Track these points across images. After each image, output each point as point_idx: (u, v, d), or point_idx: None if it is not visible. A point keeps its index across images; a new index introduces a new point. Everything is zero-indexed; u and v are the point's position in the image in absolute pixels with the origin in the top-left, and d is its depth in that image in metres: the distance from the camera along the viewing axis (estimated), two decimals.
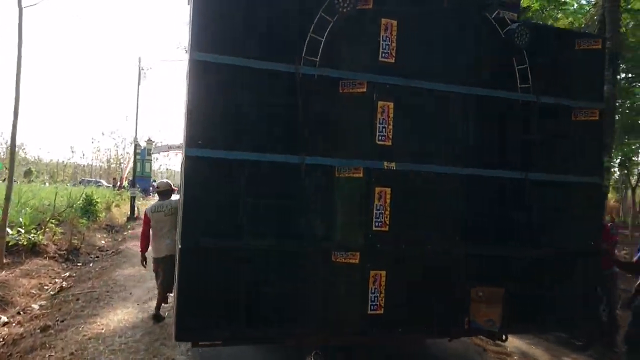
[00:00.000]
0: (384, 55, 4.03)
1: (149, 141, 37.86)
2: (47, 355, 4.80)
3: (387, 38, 4.02)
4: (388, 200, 3.97)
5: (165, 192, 6.27)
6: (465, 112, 4.21)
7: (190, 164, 3.61)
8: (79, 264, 10.09)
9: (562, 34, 4.68)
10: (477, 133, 4.25)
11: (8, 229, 8.86)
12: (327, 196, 3.98)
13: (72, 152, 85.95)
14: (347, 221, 3.97)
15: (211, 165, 3.63)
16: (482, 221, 4.32)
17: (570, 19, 14.33)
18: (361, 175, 3.91)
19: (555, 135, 4.50)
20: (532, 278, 4.48)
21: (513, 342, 5.69)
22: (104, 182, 42.18)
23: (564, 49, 4.52)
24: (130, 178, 25.38)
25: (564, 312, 4.45)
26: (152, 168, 43.39)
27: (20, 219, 10.08)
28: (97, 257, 11.15)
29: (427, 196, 4.11)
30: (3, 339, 5.50)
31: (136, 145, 23.20)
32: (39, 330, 5.60)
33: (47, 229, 10.59)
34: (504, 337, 4.34)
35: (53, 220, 11.24)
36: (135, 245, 11.00)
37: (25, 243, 9.37)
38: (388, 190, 3.97)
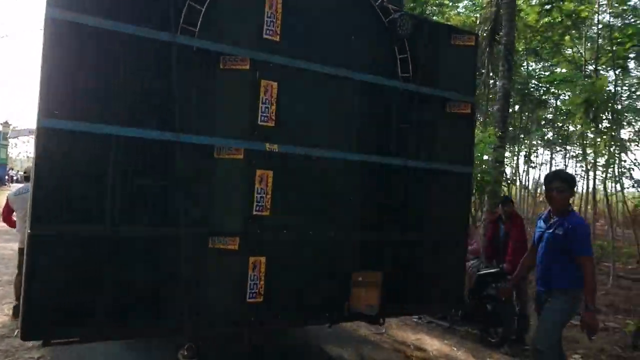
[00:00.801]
0: (268, 32, 3.86)
1: (5, 124, 33.91)
2: None
3: (272, 15, 3.86)
4: (270, 184, 3.82)
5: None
6: (349, 97, 4.19)
7: (44, 137, 3.13)
8: None
9: (439, 28, 4.89)
10: (360, 119, 4.26)
11: None
12: (205, 178, 3.73)
13: None
14: (225, 205, 3.75)
15: (69, 139, 3.19)
16: (364, 206, 4.35)
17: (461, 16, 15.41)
18: (242, 157, 3.71)
19: (431, 125, 4.69)
20: (408, 263, 4.62)
21: (434, 345, 5.72)
22: None
23: (441, 42, 4.71)
24: None
25: (434, 296, 4.66)
26: (9, 154, 38.94)
27: None
28: None
29: (310, 181, 4.03)
30: None
31: None
32: None
33: None
34: (381, 320, 4.41)
35: None
36: None
37: None
38: (270, 173, 3.81)
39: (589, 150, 14.76)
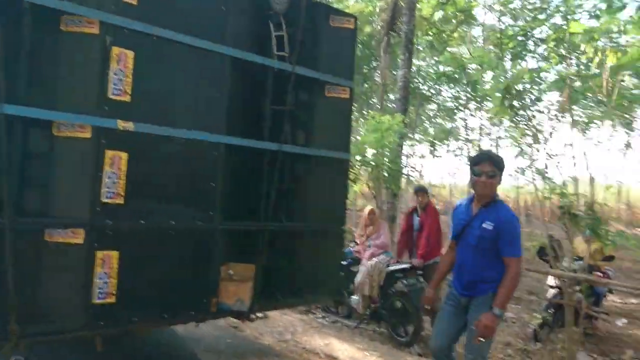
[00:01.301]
0: None
1: None
2: None
3: None
4: (123, 168, 3.32)
5: None
6: (218, 74, 3.80)
7: None
8: None
9: (318, 7, 4.67)
10: (231, 98, 3.90)
11: None
12: (40, 159, 3.15)
13: None
14: (68, 192, 3.21)
15: None
16: (234, 194, 4.02)
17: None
18: (89, 135, 3.18)
19: (309, 108, 4.48)
20: (283, 253, 4.39)
21: (345, 351, 5.28)
22: None
23: (319, 23, 4.50)
24: None
25: (311, 288, 4.49)
26: None
27: None
28: None
29: (172, 164, 3.61)
30: None
31: None
32: None
33: None
34: (252, 316, 4.12)
35: None
36: None
37: None
38: (124, 155, 3.31)
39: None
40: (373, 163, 8.45)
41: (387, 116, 8.69)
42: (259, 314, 4.21)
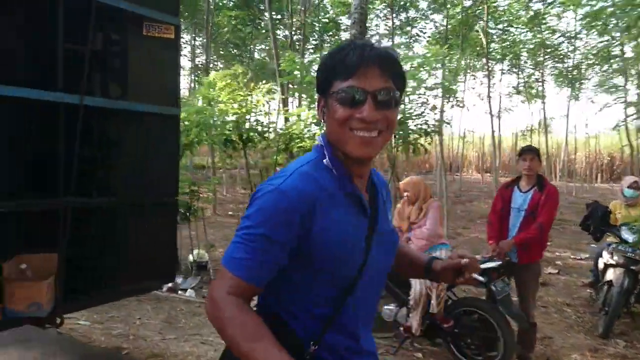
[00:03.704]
0: None
1: None
2: None
3: None
4: None
5: None
6: None
7: None
8: None
9: None
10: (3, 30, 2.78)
11: None
12: None
13: None
14: None
15: None
16: (19, 163, 2.97)
17: None
18: None
19: (120, 50, 3.52)
20: (97, 237, 3.48)
21: None
22: None
23: None
24: None
25: (137, 277, 3.65)
26: None
27: None
28: None
29: None
30: None
31: None
32: None
33: None
34: (58, 320, 3.18)
35: None
36: None
37: None
38: None
39: None
40: None
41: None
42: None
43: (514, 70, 21.69)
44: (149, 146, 3.67)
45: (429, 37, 17.98)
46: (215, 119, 7.57)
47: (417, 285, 4.40)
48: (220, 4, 17.56)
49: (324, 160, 1.31)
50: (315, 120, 7.65)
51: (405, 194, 4.75)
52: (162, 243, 3.77)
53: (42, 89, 2.98)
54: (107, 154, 3.52)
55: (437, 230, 4.64)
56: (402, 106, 7.37)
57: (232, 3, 17.54)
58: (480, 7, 15.05)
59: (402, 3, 16.02)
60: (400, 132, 7.70)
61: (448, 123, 13.70)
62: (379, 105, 1.23)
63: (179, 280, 6.50)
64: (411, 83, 7.68)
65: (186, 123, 7.05)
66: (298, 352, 1.22)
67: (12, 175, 2.98)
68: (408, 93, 7.96)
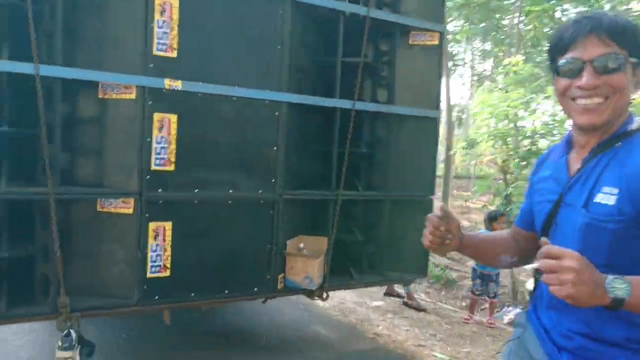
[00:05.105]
0: None
1: None
2: None
3: None
4: (173, 131, 3.03)
5: None
6: (279, 20, 3.31)
7: None
8: None
9: None
10: (294, 48, 3.41)
11: None
12: (88, 124, 2.96)
13: None
14: (116, 158, 2.99)
15: None
16: (302, 159, 3.59)
17: None
18: (133, 96, 2.91)
19: (389, 59, 3.86)
20: (359, 226, 3.92)
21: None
22: None
23: None
24: None
25: (393, 265, 3.96)
26: None
27: None
28: None
29: (227, 127, 3.24)
30: None
31: None
32: None
33: None
34: (324, 295, 3.72)
35: None
36: None
37: None
38: (173, 117, 3.01)
39: None
40: None
41: None
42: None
43: None
44: (410, 147, 3.92)
45: None
46: None
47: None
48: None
49: None
50: None
51: None
52: (415, 239, 3.98)
53: (325, 97, 3.53)
54: (372, 153, 3.92)
55: None
56: None
57: None
58: None
59: None
60: None
61: None
62: (597, 72, 1.22)
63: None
64: None
65: None
66: None
67: (302, 170, 3.61)
68: None
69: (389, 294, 5.80)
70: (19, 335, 3.84)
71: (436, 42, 3.91)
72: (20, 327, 3.71)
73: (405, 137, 3.93)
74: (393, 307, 5.46)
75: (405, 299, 5.57)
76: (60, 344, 2.75)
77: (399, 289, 5.75)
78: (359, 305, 5.30)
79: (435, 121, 4.02)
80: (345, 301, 5.40)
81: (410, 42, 3.88)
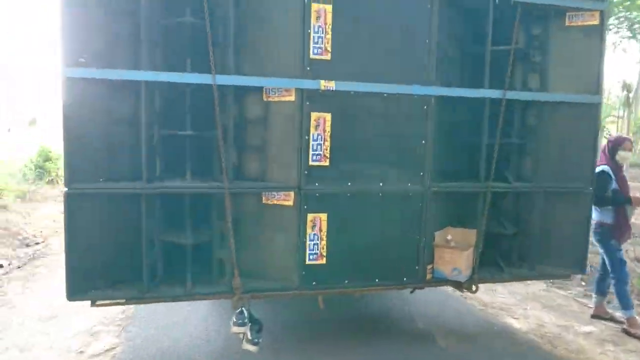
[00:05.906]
0: None
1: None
2: None
3: None
4: (328, 129, 3.23)
5: None
6: (425, 13, 3.33)
7: (70, 88, 2.87)
8: None
9: None
10: (441, 40, 3.40)
11: None
12: (254, 126, 3.28)
13: None
14: (278, 155, 3.28)
15: (102, 87, 2.92)
16: (449, 151, 3.59)
17: None
18: (293, 98, 3.16)
19: (542, 44, 3.66)
20: (509, 218, 3.81)
21: None
22: None
23: None
24: None
25: (545, 259, 3.79)
26: None
27: None
28: None
29: (377, 122, 3.36)
30: None
31: None
32: None
33: None
34: (473, 287, 3.69)
35: None
36: None
37: None
38: (327, 116, 3.22)
39: None
40: None
41: None
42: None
43: None
44: (566, 135, 3.70)
45: None
46: None
47: None
48: None
49: None
50: None
51: None
52: (572, 233, 3.77)
53: (473, 87, 3.49)
54: (523, 143, 3.77)
55: None
56: None
57: None
58: None
59: None
60: None
61: None
62: None
63: None
64: None
65: None
66: None
67: (450, 162, 3.61)
68: None
69: (599, 316, 4.60)
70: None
71: (597, 22, 3.61)
72: None
73: (561, 126, 3.70)
74: (610, 336, 4.23)
75: (625, 326, 4.30)
76: (234, 319, 3.13)
77: (612, 311, 4.61)
78: (564, 330, 4.34)
79: (595, 107, 3.72)
80: (544, 324, 4.45)
81: (566, 23, 3.64)
